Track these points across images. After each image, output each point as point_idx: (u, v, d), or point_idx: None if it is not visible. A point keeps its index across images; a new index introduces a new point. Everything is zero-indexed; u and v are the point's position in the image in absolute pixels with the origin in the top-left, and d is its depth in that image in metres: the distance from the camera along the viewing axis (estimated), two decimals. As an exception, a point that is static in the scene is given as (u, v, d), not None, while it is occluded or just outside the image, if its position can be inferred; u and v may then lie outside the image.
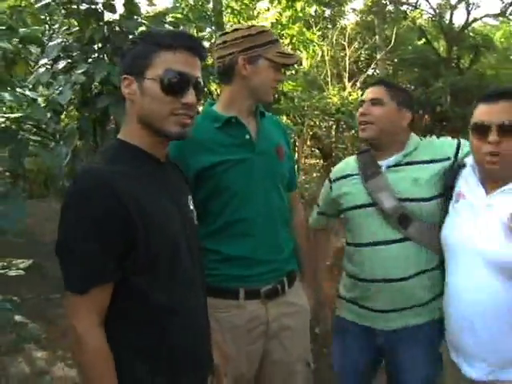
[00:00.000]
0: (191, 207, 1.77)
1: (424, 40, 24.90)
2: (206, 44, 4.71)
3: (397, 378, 2.46)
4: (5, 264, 2.65)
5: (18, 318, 2.63)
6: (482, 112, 1.98)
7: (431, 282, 2.36)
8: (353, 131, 10.06)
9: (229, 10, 4.78)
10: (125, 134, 1.62)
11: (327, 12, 20.25)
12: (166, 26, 2.83)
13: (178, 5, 4.34)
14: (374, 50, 22.64)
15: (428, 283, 2.35)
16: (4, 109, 2.17)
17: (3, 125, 1.96)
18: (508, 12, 24.48)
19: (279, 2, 4.56)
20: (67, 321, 1.54)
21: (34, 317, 4.69)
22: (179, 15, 3.12)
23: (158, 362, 1.58)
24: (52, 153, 2.49)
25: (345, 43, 14.95)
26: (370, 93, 2.43)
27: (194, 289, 1.71)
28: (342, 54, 16.45)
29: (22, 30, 2.65)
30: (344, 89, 13.86)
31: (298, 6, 4.57)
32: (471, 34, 25.42)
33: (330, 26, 18.88)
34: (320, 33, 10.65)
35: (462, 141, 2.43)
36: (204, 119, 2.30)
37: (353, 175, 2.49)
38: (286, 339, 2.33)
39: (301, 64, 5.40)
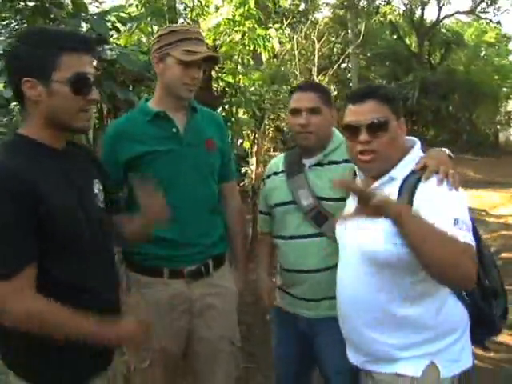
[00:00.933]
0: (95, 191, 1.85)
1: (396, 35, 25.21)
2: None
3: (318, 362, 2.58)
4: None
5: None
6: (351, 112, 1.99)
7: None
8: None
9: (183, 6, 4.96)
10: (26, 129, 1.71)
11: (302, 6, 20.36)
12: (109, 24, 3.00)
13: (128, 3, 4.48)
14: (346, 45, 22.85)
15: None
16: None
17: None
18: (478, 10, 24.94)
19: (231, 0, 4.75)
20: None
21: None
22: (124, 14, 3.27)
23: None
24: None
25: (314, 37, 15.06)
26: (304, 101, 2.42)
27: (101, 265, 1.83)
28: (312, 49, 16.55)
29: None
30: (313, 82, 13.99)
31: (252, 2, 4.73)
32: (442, 30, 25.81)
33: (303, 20, 19.01)
34: (279, 27, 10.70)
35: None
36: (138, 113, 2.53)
37: (280, 172, 2.59)
38: (211, 318, 2.51)
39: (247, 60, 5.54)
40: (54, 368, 1.70)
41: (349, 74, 24.49)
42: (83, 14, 3.15)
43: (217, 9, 5.27)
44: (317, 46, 15.38)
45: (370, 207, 1.64)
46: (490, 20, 25.76)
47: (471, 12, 25.27)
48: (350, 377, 2.31)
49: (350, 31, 22.38)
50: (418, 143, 2.06)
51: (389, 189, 1.93)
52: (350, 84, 24.49)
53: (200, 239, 2.46)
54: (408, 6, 24.55)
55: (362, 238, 1.95)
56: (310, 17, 18.76)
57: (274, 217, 2.61)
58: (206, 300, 2.50)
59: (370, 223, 1.83)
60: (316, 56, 15.26)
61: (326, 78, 15.37)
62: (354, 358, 2.10)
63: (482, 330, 2.04)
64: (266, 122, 8.12)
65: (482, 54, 27.74)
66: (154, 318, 2.37)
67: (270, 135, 8.89)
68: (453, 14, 25.66)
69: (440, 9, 24.65)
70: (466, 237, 1.69)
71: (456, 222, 1.71)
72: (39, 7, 3.06)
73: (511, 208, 10.88)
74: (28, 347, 1.69)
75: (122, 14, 3.19)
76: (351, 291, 2.01)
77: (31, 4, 3.09)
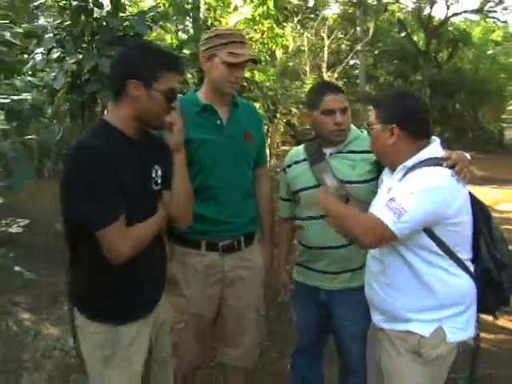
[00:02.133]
0: (153, 175, 2.21)
1: (404, 33, 25.40)
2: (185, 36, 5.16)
3: (336, 328, 2.86)
4: (7, 222, 3.12)
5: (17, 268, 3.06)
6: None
7: (364, 251, 2.70)
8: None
9: (206, 6, 5.23)
10: (112, 117, 2.11)
11: (311, 2, 20.54)
12: (147, 23, 3.30)
13: (157, 3, 4.76)
14: (355, 41, 23.09)
15: (361, 252, 2.67)
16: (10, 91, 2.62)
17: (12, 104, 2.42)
18: (486, 8, 25.11)
19: (251, 0, 5.00)
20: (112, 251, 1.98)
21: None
22: (157, 13, 3.55)
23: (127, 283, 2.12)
24: (48, 130, 2.95)
25: (324, 34, 15.27)
26: (337, 102, 2.68)
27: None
28: (321, 45, 16.72)
29: (24, 25, 3.10)
30: (322, 78, 14.22)
31: (270, 3, 5.01)
32: (450, 28, 25.99)
33: (312, 16, 19.25)
34: (292, 25, 10.95)
35: None
36: (187, 102, 2.79)
37: (301, 161, 2.83)
38: (240, 288, 2.83)
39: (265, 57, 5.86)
40: (107, 308, 2.12)
41: (356, 71, 24.75)
42: (122, 14, 3.44)
43: (236, 8, 5.55)
44: (326, 42, 15.65)
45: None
46: (498, 19, 25.97)
47: (479, 11, 25.45)
48: (364, 342, 2.60)
49: (358, 28, 22.64)
50: (438, 140, 2.33)
51: (398, 175, 2.28)
52: (358, 81, 24.79)
53: (234, 218, 2.77)
54: (416, 4, 24.73)
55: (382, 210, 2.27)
56: (320, 13, 18.96)
57: (298, 201, 2.89)
58: (237, 272, 2.80)
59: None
60: (325, 52, 15.49)
61: (336, 75, 15.66)
62: (373, 316, 2.42)
63: (492, 298, 2.32)
64: (278, 116, 8.41)
65: (489, 53, 27.90)
66: (192, 285, 2.71)
67: (282, 129, 9.21)
68: (461, 13, 25.86)
69: (448, 7, 24.85)
70: (385, 216, 2.08)
71: (392, 200, 2.10)
72: (82, 7, 3.35)
73: (514, 204, 11.25)
74: (89, 290, 2.13)
75: (155, 14, 3.48)
76: (369, 263, 2.39)
77: (75, 3, 3.38)
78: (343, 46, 23.59)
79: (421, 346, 2.19)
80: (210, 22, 5.10)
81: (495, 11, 25.61)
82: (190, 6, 4.86)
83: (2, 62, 2.63)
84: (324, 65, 15.32)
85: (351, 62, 23.12)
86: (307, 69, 14.13)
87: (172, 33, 4.81)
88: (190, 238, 2.72)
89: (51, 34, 3.22)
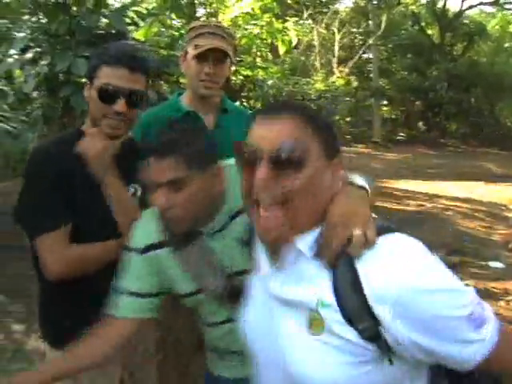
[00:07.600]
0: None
1: (417, 26, 24.96)
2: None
3: None
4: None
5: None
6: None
7: None
8: (337, 116, 10.10)
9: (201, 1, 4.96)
10: (85, 125, 1.91)
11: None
12: (127, 20, 3.03)
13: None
14: (367, 35, 22.67)
15: None
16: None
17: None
18: (502, 0, 24.60)
19: (250, -7, 4.73)
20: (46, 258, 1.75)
21: (15, 293, 4.93)
22: (142, 8, 3.28)
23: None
24: (18, 138, 2.72)
25: (335, 28, 14.98)
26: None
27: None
28: (333, 39, 16.42)
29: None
30: (332, 74, 13.91)
31: (269, -4, 4.75)
32: (465, 21, 25.49)
33: (325, 10, 18.84)
34: (296, 20, 10.60)
35: None
36: (169, 108, 2.49)
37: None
38: None
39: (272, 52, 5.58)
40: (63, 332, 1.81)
41: (370, 66, 24.33)
42: (103, 10, 3.17)
43: (236, 1, 5.25)
44: (337, 36, 15.31)
45: None
46: (515, 11, 25.43)
47: (495, 3, 24.92)
48: None
49: (371, 22, 22.23)
50: None
51: None
52: (371, 75, 24.37)
53: None
54: (431, -3, 24.27)
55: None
56: (332, 7, 18.58)
57: None
58: None
59: None
60: (336, 47, 15.16)
61: (346, 69, 15.33)
62: None
63: None
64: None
65: (506, 46, 27.37)
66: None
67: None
68: (476, 5, 25.33)
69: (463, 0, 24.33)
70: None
71: (471, 315, 1.07)
72: (60, 4, 3.09)
73: (532, 203, 10.82)
74: (48, 311, 1.92)
75: (140, 10, 3.20)
76: None
77: (52, 0, 3.12)
78: (356, 41, 23.21)
79: None
80: (206, 17, 4.85)
81: (512, 3, 25.12)
82: (184, 2, 4.58)
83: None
84: (335, 60, 15.00)
85: (365, 56, 22.75)
86: (317, 64, 13.80)
87: (167, 28, 4.53)
88: None
89: (23, 34, 2.97)
